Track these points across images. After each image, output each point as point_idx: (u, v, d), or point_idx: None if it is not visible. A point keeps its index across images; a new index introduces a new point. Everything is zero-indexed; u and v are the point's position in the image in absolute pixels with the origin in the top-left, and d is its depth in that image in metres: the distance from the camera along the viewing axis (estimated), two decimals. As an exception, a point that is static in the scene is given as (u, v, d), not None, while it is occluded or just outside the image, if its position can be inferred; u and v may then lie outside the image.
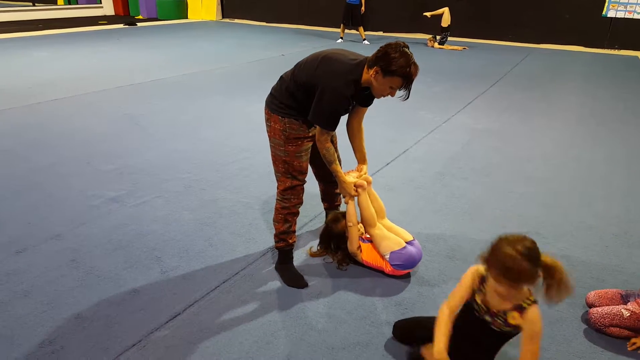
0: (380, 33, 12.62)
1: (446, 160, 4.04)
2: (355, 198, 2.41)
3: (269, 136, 2.29)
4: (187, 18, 15.34)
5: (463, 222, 2.99)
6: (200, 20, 15.04)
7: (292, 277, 2.35)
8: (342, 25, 10.83)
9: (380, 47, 2.08)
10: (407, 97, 2.12)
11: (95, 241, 2.65)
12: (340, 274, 2.44)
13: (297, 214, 2.39)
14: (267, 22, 14.41)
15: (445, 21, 10.08)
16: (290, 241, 2.39)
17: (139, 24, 13.37)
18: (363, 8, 10.61)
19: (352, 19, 10.57)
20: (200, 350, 1.89)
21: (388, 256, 2.33)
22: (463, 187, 3.52)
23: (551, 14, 10.81)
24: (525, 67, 8.40)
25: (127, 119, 4.88)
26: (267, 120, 2.28)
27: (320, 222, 2.91)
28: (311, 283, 2.34)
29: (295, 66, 2.24)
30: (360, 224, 2.46)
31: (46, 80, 6.36)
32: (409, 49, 2.05)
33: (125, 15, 15.66)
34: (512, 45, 11.05)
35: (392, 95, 2.13)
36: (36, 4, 16.24)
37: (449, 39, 10.57)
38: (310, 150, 2.34)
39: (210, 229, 2.82)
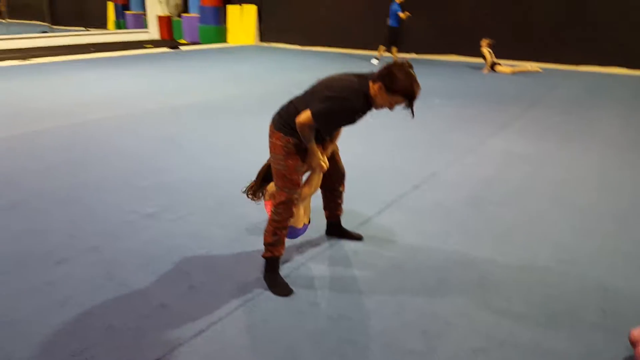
0: (413, 55, 12.64)
1: (478, 183, 3.98)
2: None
3: (270, 151, 2.41)
4: (226, 42, 15.85)
5: (494, 248, 2.93)
6: (240, 44, 15.52)
7: (277, 286, 2.44)
8: (389, 47, 10.94)
9: (385, 66, 2.19)
10: (413, 116, 2.25)
11: (130, 255, 2.75)
12: (361, 297, 2.42)
13: (285, 227, 2.46)
14: (300, 46, 14.74)
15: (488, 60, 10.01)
16: (276, 253, 2.47)
17: (182, 48, 13.92)
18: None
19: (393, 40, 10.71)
20: (223, 367, 1.92)
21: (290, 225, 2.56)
22: (495, 212, 3.46)
23: (594, 35, 10.48)
24: (565, 90, 8.22)
25: (166, 138, 5.06)
26: (270, 136, 2.40)
27: (325, 258, 2.91)
28: (333, 304, 2.35)
29: (305, 92, 2.36)
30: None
31: (93, 101, 6.70)
32: (412, 69, 2.16)
33: (169, 40, 16.33)
34: (553, 67, 10.81)
35: (391, 109, 2.28)
36: (89, 29, 17.18)
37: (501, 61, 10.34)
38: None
39: (239, 246, 2.87)
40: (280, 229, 2.43)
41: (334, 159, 2.67)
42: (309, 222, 2.77)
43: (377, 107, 2.30)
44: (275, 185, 2.43)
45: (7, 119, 5.68)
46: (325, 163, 2.48)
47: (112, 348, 2.00)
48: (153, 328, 2.13)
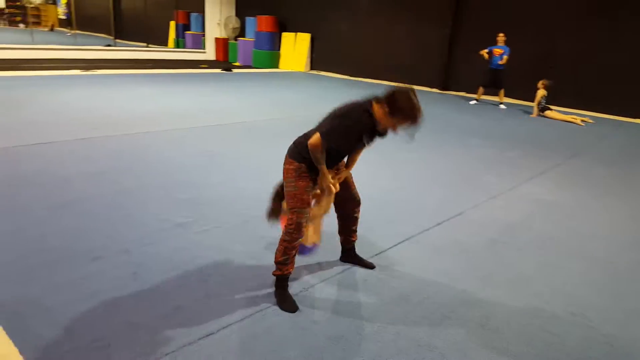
0: (464, 93, 12.72)
1: (502, 227, 4.02)
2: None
3: (283, 178, 2.61)
4: (278, 68, 16.46)
5: (504, 292, 2.97)
6: (291, 70, 16.08)
7: (285, 302, 2.60)
8: (481, 87, 11.05)
9: (389, 90, 2.37)
10: (412, 139, 2.44)
11: (157, 259, 2.99)
12: (362, 322, 2.54)
13: (295, 248, 2.62)
14: (349, 76, 15.10)
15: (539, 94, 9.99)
16: (285, 271, 2.63)
17: (234, 70, 14.58)
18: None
19: (494, 83, 10.75)
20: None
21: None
22: (514, 257, 3.49)
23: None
24: (614, 142, 8.02)
25: (207, 155, 5.38)
26: (284, 164, 2.61)
27: (335, 281, 3.04)
28: (334, 325, 2.47)
29: (316, 126, 2.54)
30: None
31: (145, 114, 7.18)
32: (415, 95, 2.33)
33: (224, 61, 17.12)
34: (603, 117, 10.55)
35: (395, 132, 2.44)
36: (149, 45, 18.27)
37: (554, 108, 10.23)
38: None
39: (255, 262, 3.05)
40: (290, 249, 2.59)
41: (348, 187, 2.84)
42: (319, 242, 2.91)
43: (380, 129, 2.47)
44: (287, 206, 2.61)
45: (68, 125, 6.20)
46: (335, 186, 2.64)
47: (129, 340, 2.21)
48: (167, 327, 2.33)
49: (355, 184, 2.94)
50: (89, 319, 2.35)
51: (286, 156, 2.62)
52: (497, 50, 10.46)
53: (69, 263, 2.87)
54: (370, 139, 2.58)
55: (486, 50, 10.58)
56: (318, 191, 2.70)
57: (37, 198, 3.82)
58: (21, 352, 2.09)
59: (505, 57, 10.36)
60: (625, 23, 10.33)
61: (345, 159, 2.81)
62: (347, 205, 2.90)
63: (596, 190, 5.22)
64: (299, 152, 2.55)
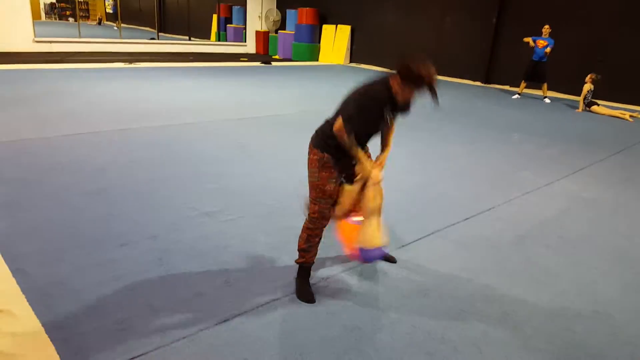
0: (507, 87, 12.37)
1: (534, 224, 3.90)
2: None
3: (308, 168, 2.58)
4: (317, 61, 16.48)
5: (528, 289, 2.89)
6: (330, 63, 16.06)
7: (303, 292, 2.63)
8: (523, 81, 10.70)
9: (402, 59, 2.32)
10: (438, 104, 2.35)
11: (182, 246, 3.09)
12: (378, 313, 2.54)
13: (318, 236, 2.63)
14: (388, 69, 14.90)
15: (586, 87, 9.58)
16: (308, 259, 2.64)
17: (273, 64, 14.71)
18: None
19: (537, 76, 10.41)
20: (235, 356, 2.13)
21: (361, 247, 2.55)
22: (542, 254, 3.38)
23: None
24: (663, 138, 7.64)
25: (240, 146, 5.48)
26: (308, 153, 2.58)
27: (355, 273, 3.03)
28: (350, 316, 2.48)
29: (337, 109, 2.50)
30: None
31: (182, 106, 7.37)
32: (425, 59, 2.26)
33: (264, 54, 17.29)
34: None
35: (412, 99, 2.38)
36: (192, 39, 18.67)
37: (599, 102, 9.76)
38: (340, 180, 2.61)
39: (277, 253, 3.10)
40: (313, 236, 2.62)
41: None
42: (385, 243, 2.64)
43: (401, 100, 2.38)
44: (310, 197, 2.62)
45: (106, 116, 6.45)
46: (377, 173, 2.51)
47: (148, 322, 2.30)
48: (186, 311, 2.41)
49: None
50: (113, 301, 2.46)
51: (310, 145, 2.61)
52: (541, 42, 10.07)
53: (98, 247, 3.01)
54: (393, 114, 2.50)
55: (531, 39, 10.21)
56: (357, 188, 2.57)
57: (72, 185, 4.01)
58: (46, 331, 2.21)
59: (548, 48, 9.97)
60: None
61: (375, 146, 2.75)
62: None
63: (637, 190, 4.98)
64: (321, 140, 2.53)
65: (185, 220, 3.47)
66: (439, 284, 2.88)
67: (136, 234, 3.20)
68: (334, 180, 2.56)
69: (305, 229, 2.65)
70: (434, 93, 2.28)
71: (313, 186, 2.58)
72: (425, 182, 4.75)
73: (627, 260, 3.39)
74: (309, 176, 2.59)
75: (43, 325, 2.25)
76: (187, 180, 4.30)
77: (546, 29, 10.07)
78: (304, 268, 2.70)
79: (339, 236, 2.70)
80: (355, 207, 2.61)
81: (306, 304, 2.57)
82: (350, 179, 2.61)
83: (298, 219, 3.54)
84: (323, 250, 3.04)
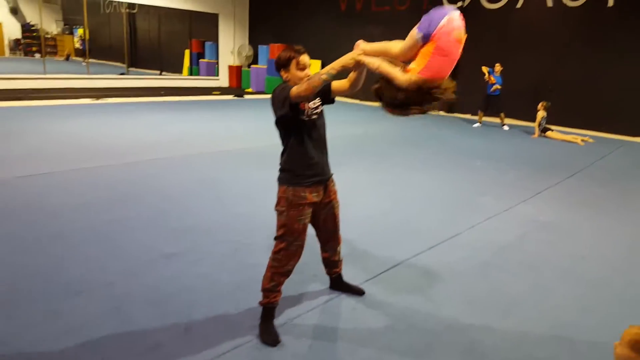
0: (469, 115, 12.70)
1: (495, 250, 3.95)
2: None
3: (276, 207, 2.60)
4: (289, 93, 16.61)
5: (492, 317, 2.91)
6: (300, 94, 16.20)
7: (267, 334, 2.56)
8: (480, 112, 11.14)
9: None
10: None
11: (140, 293, 2.98)
12: (344, 353, 2.49)
13: (284, 274, 2.60)
14: (360, 100, 15.18)
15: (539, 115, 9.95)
16: (272, 299, 2.60)
17: (246, 97, 14.78)
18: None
19: (492, 107, 10.87)
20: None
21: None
22: (504, 280, 3.42)
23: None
24: (613, 161, 7.92)
25: (207, 182, 5.41)
26: (278, 193, 2.61)
27: (323, 310, 3.00)
28: (316, 357, 2.43)
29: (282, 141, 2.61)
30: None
31: (149, 142, 7.28)
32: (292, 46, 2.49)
33: (236, 88, 17.37)
34: (606, 137, 10.42)
35: (306, 74, 2.48)
36: (163, 73, 18.66)
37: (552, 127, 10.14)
38: (310, 216, 2.61)
39: (242, 293, 3.03)
40: (278, 275, 2.58)
41: (333, 217, 2.79)
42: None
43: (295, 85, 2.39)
44: (276, 235, 2.59)
45: (69, 154, 6.25)
46: (357, 46, 2.35)
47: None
48: (144, 364, 2.32)
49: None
50: (60, 357, 2.34)
51: (278, 184, 2.64)
52: (492, 79, 10.59)
53: (49, 297, 2.86)
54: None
55: (487, 70, 10.64)
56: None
57: (24, 230, 3.84)
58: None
59: (496, 86, 10.52)
60: (621, 44, 10.36)
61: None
62: (328, 238, 2.87)
63: (591, 210, 5.13)
64: (282, 171, 2.60)
65: (145, 264, 3.37)
66: (406, 316, 2.87)
67: (91, 282, 3.08)
68: (302, 218, 2.55)
69: (270, 267, 2.61)
70: (298, 62, 2.46)
71: (280, 224, 2.57)
72: (390, 210, 4.78)
73: (584, 281, 3.47)
74: (278, 214, 2.59)
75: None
76: (149, 220, 4.21)
77: (498, 67, 10.61)
78: (268, 309, 2.64)
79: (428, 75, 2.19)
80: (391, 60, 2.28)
81: (271, 347, 2.50)
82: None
83: (265, 255, 3.49)
84: (290, 288, 2.99)
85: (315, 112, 2.57)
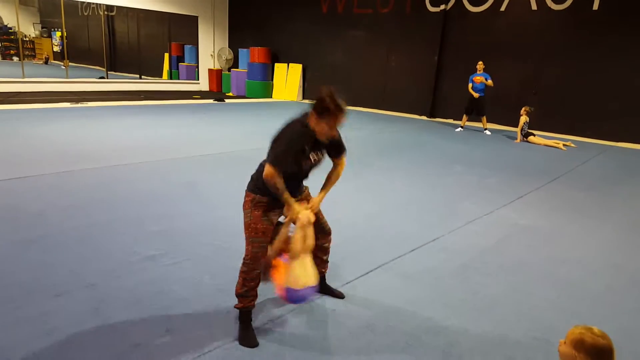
0: (451, 120, 12.87)
1: (475, 253, 4.01)
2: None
3: (243, 210, 2.61)
4: (271, 97, 16.65)
5: (470, 319, 2.96)
6: (283, 100, 16.26)
7: (245, 337, 2.56)
8: (464, 115, 11.23)
9: (317, 94, 2.42)
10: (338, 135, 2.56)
11: (121, 294, 2.97)
12: (323, 354, 2.51)
13: (254, 279, 2.60)
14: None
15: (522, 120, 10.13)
16: (247, 304, 2.61)
17: (227, 101, 14.74)
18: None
19: (476, 110, 10.96)
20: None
21: (288, 287, 2.49)
22: (483, 283, 3.48)
23: (636, 110, 10.24)
24: (595, 165, 8.10)
25: (187, 185, 5.40)
26: (244, 198, 2.62)
27: (303, 312, 3.02)
28: (295, 358, 2.44)
29: (267, 155, 2.55)
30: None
31: (131, 146, 7.23)
32: (334, 92, 2.39)
33: (217, 92, 17.32)
34: (587, 141, 10.65)
35: (334, 132, 2.50)
36: (143, 77, 18.50)
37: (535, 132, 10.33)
38: (276, 218, 2.63)
39: (222, 295, 3.03)
40: (248, 280, 2.59)
41: (317, 217, 2.82)
42: (313, 284, 2.56)
43: (321, 137, 2.48)
44: (245, 235, 2.61)
45: (47, 158, 6.22)
46: (306, 215, 2.51)
47: (81, 379, 2.18)
48: (122, 364, 2.30)
49: (324, 214, 2.93)
50: (43, 357, 2.32)
51: (246, 191, 2.66)
52: (477, 78, 10.72)
53: (29, 299, 2.85)
54: (315, 151, 2.54)
55: (471, 85, 10.81)
56: (286, 229, 2.61)
57: (4, 234, 3.80)
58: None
59: (489, 81, 10.57)
60: (606, 47, 10.54)
61: (307, 186, 2.80)
62: (317, 236, 2.89)
63: (572, 215, 5.24)
64: (255, 184, 2.60)
65: (126, 266, 3.35)
66: (386, 318, 2.90)
67: (72, 283, 3.05)
68: (267, 218, 2.57)
69: (241, 272, 2.62)
70: (331, 119, 2.40)
71: (246, 226, 2.59)
72: (373, 214, 4.82)
73: (562, 284, 3.54)
74: (244, 217, 2.61)
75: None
76: (130, 223, 4.18)
77: (480, 65, 10.74)
78: (244, 313, 2.65)
79: (273, 276, 2.65)
80: (286, 248, 2.60)
81: (249, 349, 2.51)
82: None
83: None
84: (271, 290, 2.99)
85: (313, 166, 2.62)
